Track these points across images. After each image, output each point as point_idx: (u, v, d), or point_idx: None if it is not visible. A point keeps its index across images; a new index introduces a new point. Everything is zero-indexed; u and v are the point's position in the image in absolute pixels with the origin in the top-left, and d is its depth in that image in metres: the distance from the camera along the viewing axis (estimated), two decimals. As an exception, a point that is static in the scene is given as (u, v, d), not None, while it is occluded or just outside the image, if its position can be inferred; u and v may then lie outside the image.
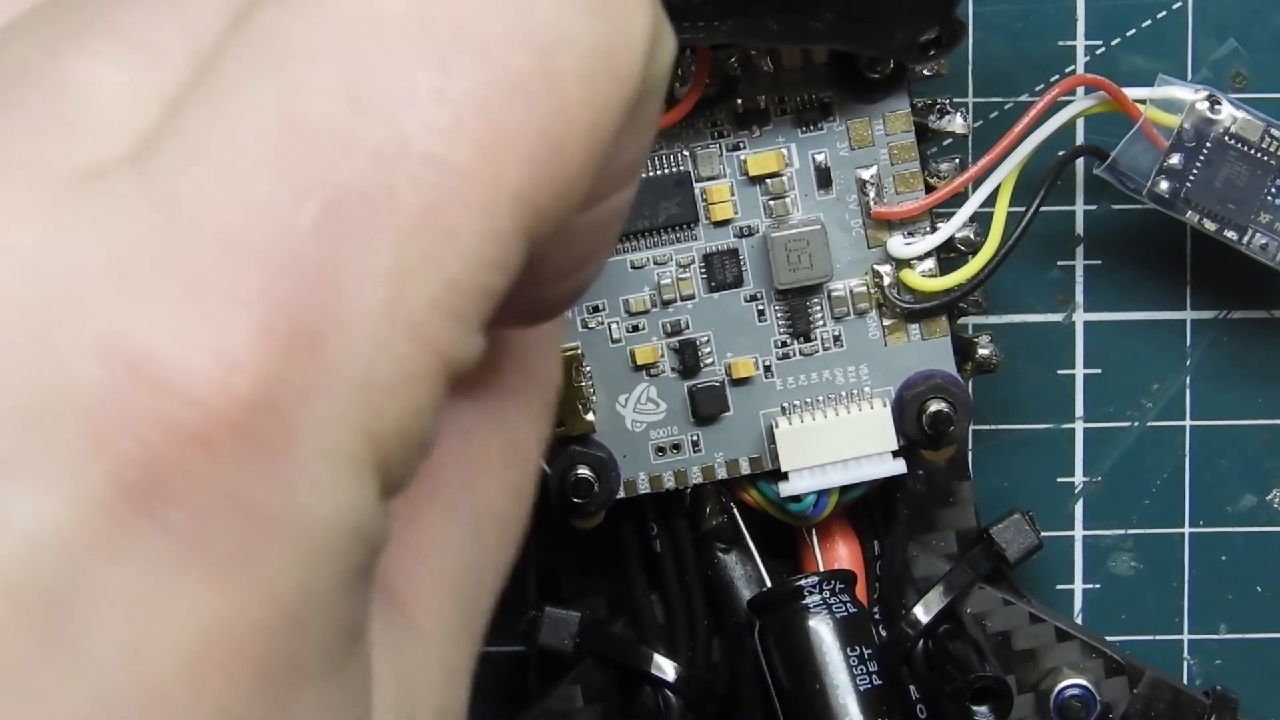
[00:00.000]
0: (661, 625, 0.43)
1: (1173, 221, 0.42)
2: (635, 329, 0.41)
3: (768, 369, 0.42)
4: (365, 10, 0.17)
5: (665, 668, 0.42)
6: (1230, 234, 0.42)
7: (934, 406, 0.41)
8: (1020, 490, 0.46)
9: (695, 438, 0.42)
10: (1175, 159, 0.41)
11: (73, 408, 0.16)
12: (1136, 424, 0.47)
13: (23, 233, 0.16)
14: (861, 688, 0.40)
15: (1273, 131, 0.41)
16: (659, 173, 0.41)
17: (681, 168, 0.41)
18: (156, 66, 0.18)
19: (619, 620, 0.43)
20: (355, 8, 0.17)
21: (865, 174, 0.41)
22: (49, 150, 0.17)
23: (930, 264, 0.41)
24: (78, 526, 0.16)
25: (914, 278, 0.41)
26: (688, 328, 0.41)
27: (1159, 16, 0.45)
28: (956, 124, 0.41)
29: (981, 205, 0.41)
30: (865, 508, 0.43)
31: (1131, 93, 0.41)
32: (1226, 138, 0.41)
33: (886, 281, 0.41)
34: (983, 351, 0.42)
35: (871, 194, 0.41)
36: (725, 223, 0.41)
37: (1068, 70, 0.45)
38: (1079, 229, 0.46)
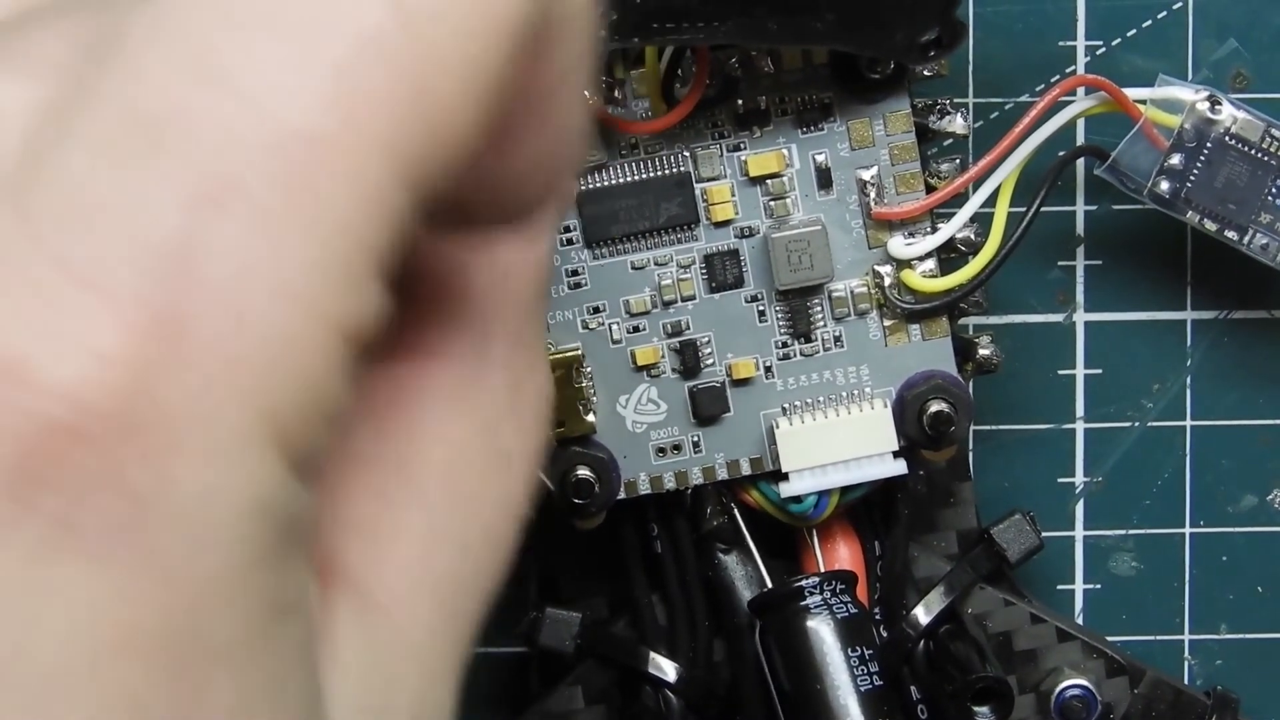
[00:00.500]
0: (662, 626, 0.43)
1: (1173, 222, 0.42)
2: (636, 330, 0.41)
3: (768, 369, 0.42)
4: None
5: (666, 668, 0.42)
6: (1231, 234, 0.42)
7: (935, 407, 0.41)
8: (1021, 490, 0.46)
9: (696, 438, 0.42)
10: (1176, 159, 0.41)
11: None
12: (1137, 424, 0.47)
13: None
14: (862, 688, 0.40)
15: (1273, 132, 0.41)
16: (660, 173, 0.41)
17: (682, 168, 0.41)
18: (24, 78, 0.18)
19: (620, 621, 0.43)
20: None
21: (866, 174, 0.41)
22: None
23: (931, 264, 0.41)
24: None
25: (914, 278, 0.41)
26: (688, 328, 0.41)
27: (1159, 17, 0.45)
28: (957, 124, 0.41)
29: (982, 206, 0.41)
30: (866, 508, 0.43)
31: (1132, 93, 0.41)
32: (1227, 138, 0.41)
33: (887, 282, 0.41)
34: (983, 352, 0.42)
35: (872, 194, 0.41)
36: (726, 223, 0.41)
37: (1068, 71, 0.45)
38: (1079, 229, 0.46)
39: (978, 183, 0.41)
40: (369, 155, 0.18)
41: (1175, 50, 0.45)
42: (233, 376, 0.17)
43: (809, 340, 0.42)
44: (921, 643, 0.42)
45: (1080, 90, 0.42)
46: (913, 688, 0.42)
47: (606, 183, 0.41)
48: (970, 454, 0.46)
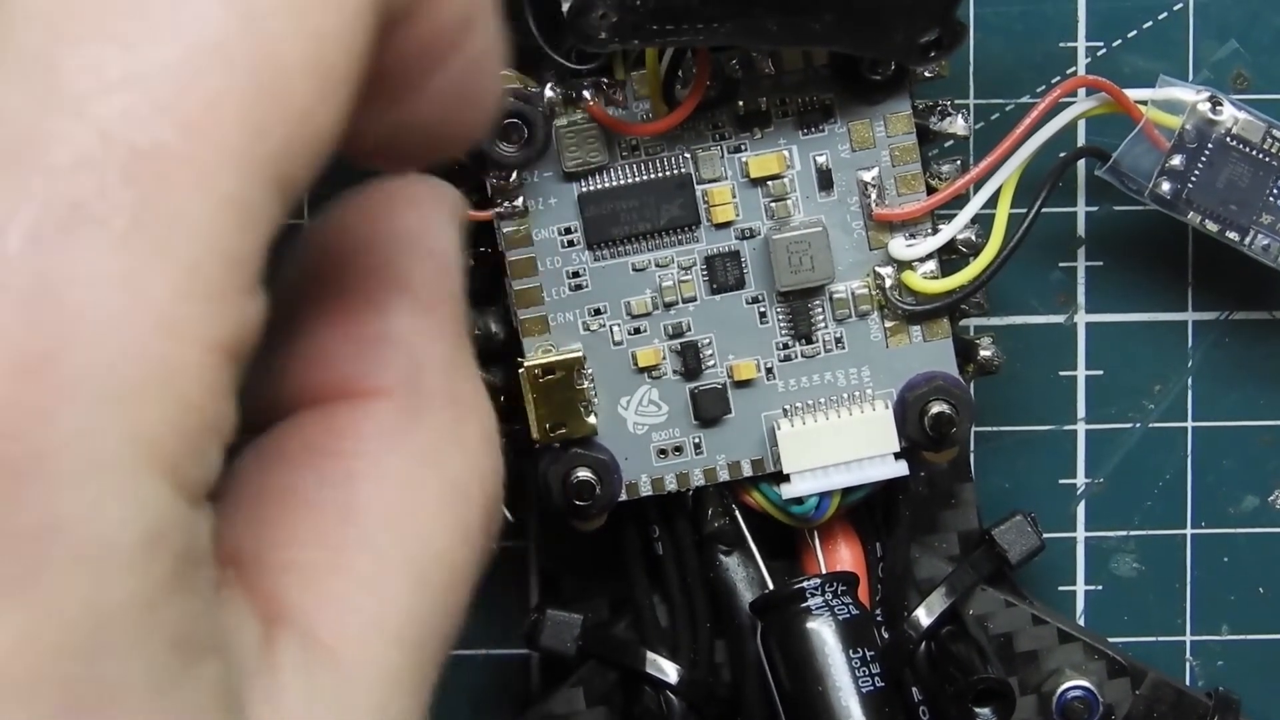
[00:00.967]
0: (664, 628, 0.43)
1: (1174, 222, 0.42)
2: (637, 331, 0.41)
3: (769, 371, 0.42)
4: (44, 5, 0.17)
5: (667, 670, 0.42)
6: (1232, 235, 0.42)
7: (936, 408, 0.41)
8: (1022, 492, 0.46)
9: (697, 440, 0.42)
10: (1177, 160, 0.41)
11: None
12: (1138, 425, 0.47)
13: None
14: (864, 690, 0.40)
15: (1274, 132, 0.41)
16: (660, 175, 0.41)
17: (683, 170, 0.41)
18: None
19: (621, 623, 0.43)
20: (33, 2, 0.17)
21: (867, 176, 0.41)
22: None
23: (932, 265, 0.41)
24: None
25: (915, 279, 0.41)
26: (689, 330, 0.41)
27: (1160, 18, 0.45)
28: (958, 125, 0.41)
29: (983, 207, 0.41)
30: (867, 510, 0.43)
31: (1133, 94, 0.41)
32: (1228, 139, 0.41)
33: (888, 283, 0.41)
34: (984, 353, 0.42)
35: (873, 196, 0.41)
36: (727, 225, 0.41)
37: (1069, 72, 0.45)
38: (1080, 230, 0.46)
39: (979, 184, 0.41)
40: (220, 164, 0.17)
41: (1176, 51, 0.45)
42: (106, 407, 0.17)
43: (810, 342, 0.42)
44: (923, 644, 0.42)
45: (1081, 91, 0.42)
46: (914, 689, 0.42)
47: (607, 184, 0.41)
48: (971, 455, 0.46)
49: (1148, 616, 0.47)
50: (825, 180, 0.41)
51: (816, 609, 0.41)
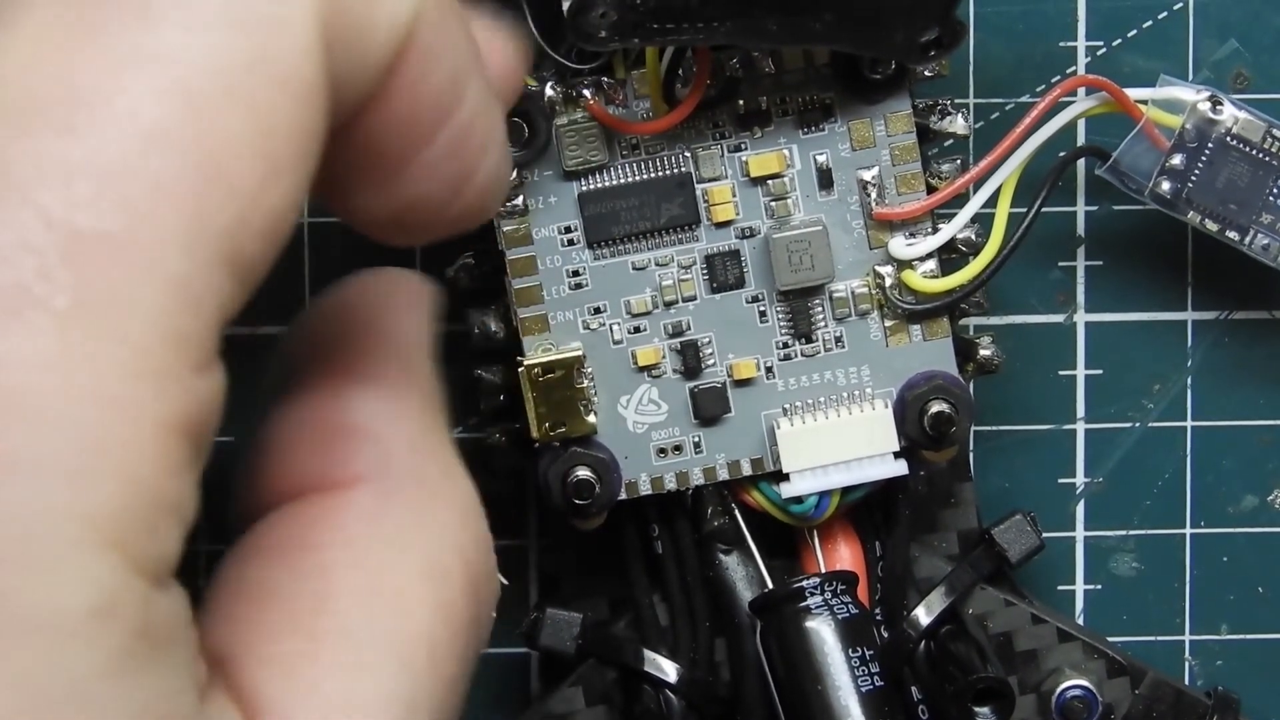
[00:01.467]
0: (663, 627, 0.43)
1: (1174, 222, 0.42)
2: (637, 330, 0.41)
3: (769, 370, 0.42)
4: None
5: (667, 669, 0.42)
6: (1232, 234, 0.42)
7: (935, 407, 0.41)
8: (1022, 491, 0.46)
9: (697, 439, 0.42)
10: (1177, 159, 0.41)
11: None
12: (1138, 425, 0.47)
13: None
14: (863, 689, 0.40)
15: (1274, 132, 0.41)
16: (661, 174, 0.41)
17: (683, 169, 0.41)
18: None
19: (621, 622, 0.43)
20: None
21: (867, 175, 0.41)
22: None
23: (932, 265, 0.41)
24: None
25: (915, 278, 0.41)
26: (689, 329, 0.41)
27: (1160, 17, 0.45)
28: (958, 125, 0.41)
29: (983, 206, 0.41)
30: (867, 509, 0.43)
31: (1133, 93, 0.41)
32: (1228, 138, 0.41)
33: (888, 282, 0.41)
34: (984, 352, 0.42)
35: (873, 195, 0.41)
36: (727, 224, 0.41)
37: (1069, 71, 0.45)
38: (1080, 230, 0.46)
39: (979, 183, 0.41)
40: (163, 245, 0.17)
41: (1176, 50, 0.45)
42: (50, 484, 0.17)
43: (810, 341, 0.42)
44: (922, 643, 0.42)
45: (1081, 90, 0.42)
46: (914, 688, 0.42)
47: (608, 183, 0.41)
48: (971, 454, 0.46)
49: (1147, 616, 0.47)
50: (825, 179, 0.41)
51: (816, 608, 0.41)
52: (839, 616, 0.41)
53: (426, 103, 0.21)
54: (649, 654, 0.42)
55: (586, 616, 0.43)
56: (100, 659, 0.17)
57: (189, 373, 0.18)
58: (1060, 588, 0.47)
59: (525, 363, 0.40)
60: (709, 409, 0.41)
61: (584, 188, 0.41)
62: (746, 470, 0.42)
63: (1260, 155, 0.41)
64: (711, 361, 0.42)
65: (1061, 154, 0.43)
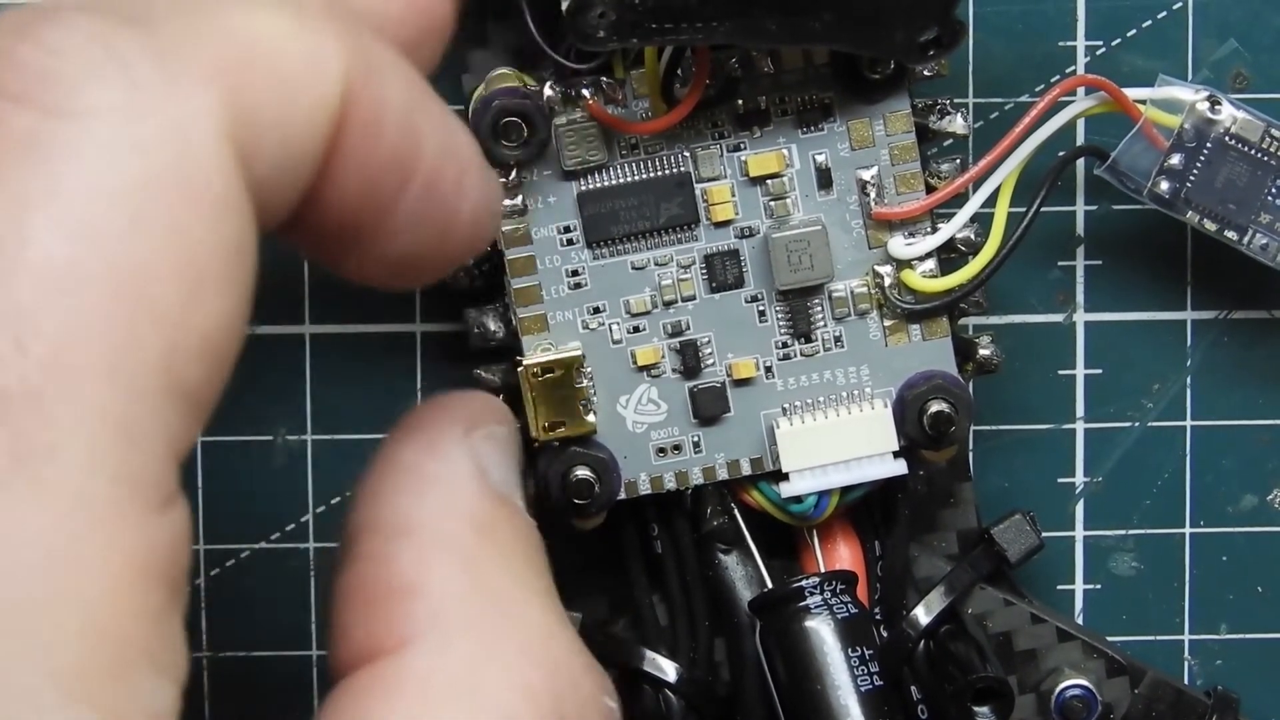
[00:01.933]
0: (663, 626, 0.43)
1: (1173, 222, 0.42)
2: (636, 330, 0.41)
3: (769, 370, 0.42)
4: None
5: (666, 669, 0.42)
6: (1231, 234, 0.42)
7: (935, 407, 0.41)
8: (1021, 491, 0.46)
9: (696, 438, 0.42)
10: (1176, 159, 0.41)
11: None
12: (1137, 424, 0.47)
13: None
14: (863, 688, 0.40)
15: (1273, 132, 0.41)
16: (660, 173, 0.41)
17: (682, 168, 0.41)
18: None
19: (620, 621, 0.43)
20: None
21: (866, 174, 0.41)
22: None
23: (931, 264, 0.41)
24: None
25: (915, 278, 0.41)
26: (689, 328, 0.41)
27: (1159, 17, 0.45)
28: (957, 124, 0.41)
29: (982, 206, 0.41)
30: (866, 508, 0.43)
31: (1132, 93, 0.41)
32: (1227, 138, 0.41)
33: (887, 282, 0.41)
34: (983, 352, 0.42)
35: (872, 194, 0.41)
36: (726, 223, 0.41)
37: (1068, 71, 0.45)
38: (1079, 229, 0.46)
39: (978, 183, 0.41)
40: (91, 385, 0.17)
41: (1175, 50, 0.45)
42: (15, 648, 0.16)
43: (809, 340, 0.42)
44: (922, 643, 0.42)
45: (1080, 90, 0.42)
46: (913, 688, 0.42)
47: (607, 183, 0.41)
48: (970, 454, 0.46)
49: (1146, 615, 0.47)
50: (824, 179, 0.41)
51: (815, 608, 0.41)
52: (838, 616, 0.41)
53: (383, 164, 0.20)
54: (648, 654, 0.42)
55: (586, 616, 0.43)
56: None
57: (144, 513, 0.17)
58: (1059, 587, 0.47)
59: (524, 363, 0.40)
60: (708, 409, 0.41)
61: (583, 187, 0.41)
62: (746, 470, 0.42)
63: (1259, 155, 0.41)
64: (711, 361, 0.42)
65: (1061, 154, 0.43)
